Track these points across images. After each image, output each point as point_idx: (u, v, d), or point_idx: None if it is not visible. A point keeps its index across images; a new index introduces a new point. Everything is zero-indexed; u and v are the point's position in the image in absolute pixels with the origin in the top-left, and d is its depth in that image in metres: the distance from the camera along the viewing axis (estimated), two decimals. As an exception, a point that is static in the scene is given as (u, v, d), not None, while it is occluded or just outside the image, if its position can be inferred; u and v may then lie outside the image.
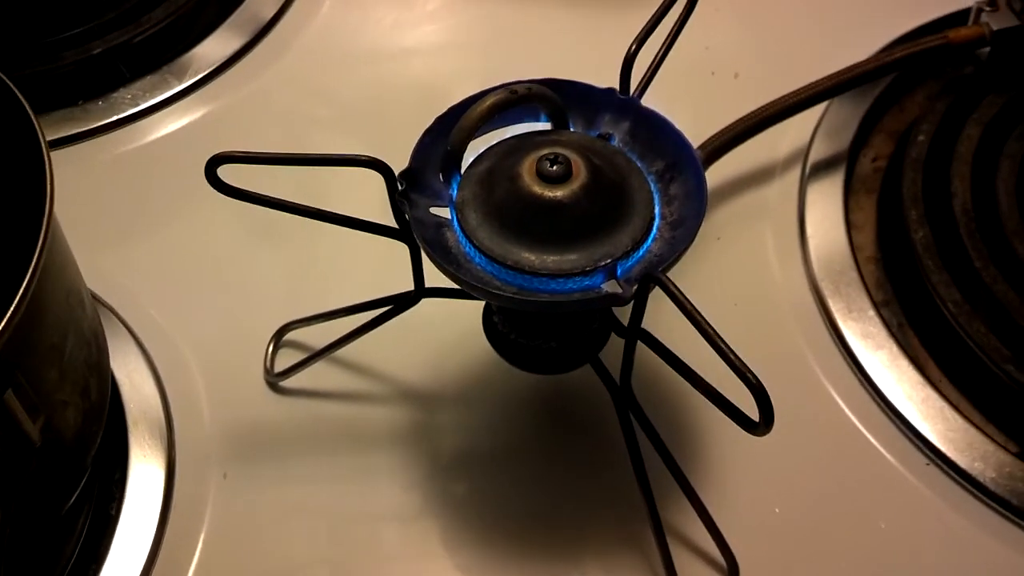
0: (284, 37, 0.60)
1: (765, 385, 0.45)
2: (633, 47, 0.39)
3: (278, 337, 0.46)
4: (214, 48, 0.58)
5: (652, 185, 0.38)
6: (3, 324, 0.30)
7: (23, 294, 0.31)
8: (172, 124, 0.55)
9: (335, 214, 0.38)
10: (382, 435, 0.44)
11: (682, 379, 0.36)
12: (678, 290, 0.33)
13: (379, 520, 0.42)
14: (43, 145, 0.35)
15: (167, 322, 0.47)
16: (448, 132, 0.37)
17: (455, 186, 0.38)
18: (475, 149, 0.39)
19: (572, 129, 0.40)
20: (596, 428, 0.43)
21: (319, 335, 0.46)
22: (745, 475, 0.42)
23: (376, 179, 0.37)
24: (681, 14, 0.42)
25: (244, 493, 0.42)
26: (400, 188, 0.37)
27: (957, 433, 0.42)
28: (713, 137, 0.49)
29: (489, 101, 0.37)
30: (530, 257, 0.35)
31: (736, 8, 0.60)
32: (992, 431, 0.43)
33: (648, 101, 0.40)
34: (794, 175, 0.52)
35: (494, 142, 0.39)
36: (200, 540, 0.41)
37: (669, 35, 0.42)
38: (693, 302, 0.33)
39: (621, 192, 0.37)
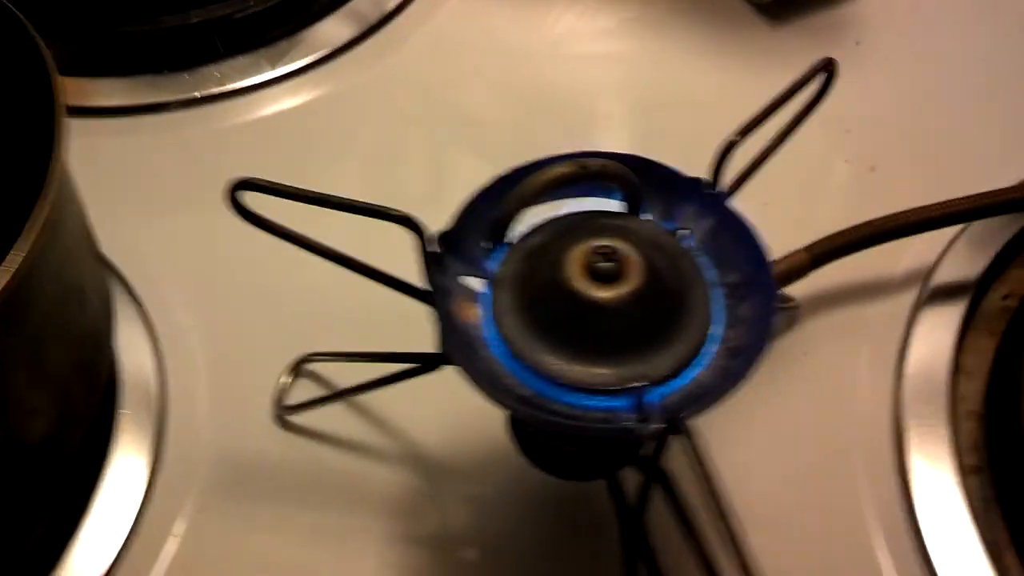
0: (394, 36, 0.56)
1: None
2: (737, 137, 0.34)
3: (296, 367, 0.42)
4: (317, 37, 0.54)
5: (719, 301, 0.33)
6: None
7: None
8: (255, 112, 0.52)
9: (358, 262, 0.34)
10: (379, 498, 0.40)
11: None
12: (699, 452, 0.27)
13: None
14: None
15: (189, 324, 0.44)
16: (503, 196, 0.33)
17: (498, 258, 0.33)
18: (539, 215, 0.35)
19: (646, 216, 0.35)
20: (603, 543, 0.38)
21: (337, 373, 0.42)
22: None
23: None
24: (799, 113, 0.36)
25: (218, 533, 0.39)
26: (437, 251, 0.33)
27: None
28: (824, 240, 0.43)
29: (553, 173, 0.32)
30: (553, 360, 0.31)
31: (891, 95, 0.54)
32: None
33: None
34: (908, 297, 0.45)
35: (562, 212, 0.35)
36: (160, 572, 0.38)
37: (782, 131, 0.36)
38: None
39: (677, 304, 0.32)
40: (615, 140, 0.54)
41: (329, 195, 0.32)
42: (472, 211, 0.34)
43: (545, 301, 0.32)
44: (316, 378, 0.43)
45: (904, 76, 0.54)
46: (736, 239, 0.34)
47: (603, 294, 0.31)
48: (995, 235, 0.47)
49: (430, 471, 0.41)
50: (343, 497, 0.40)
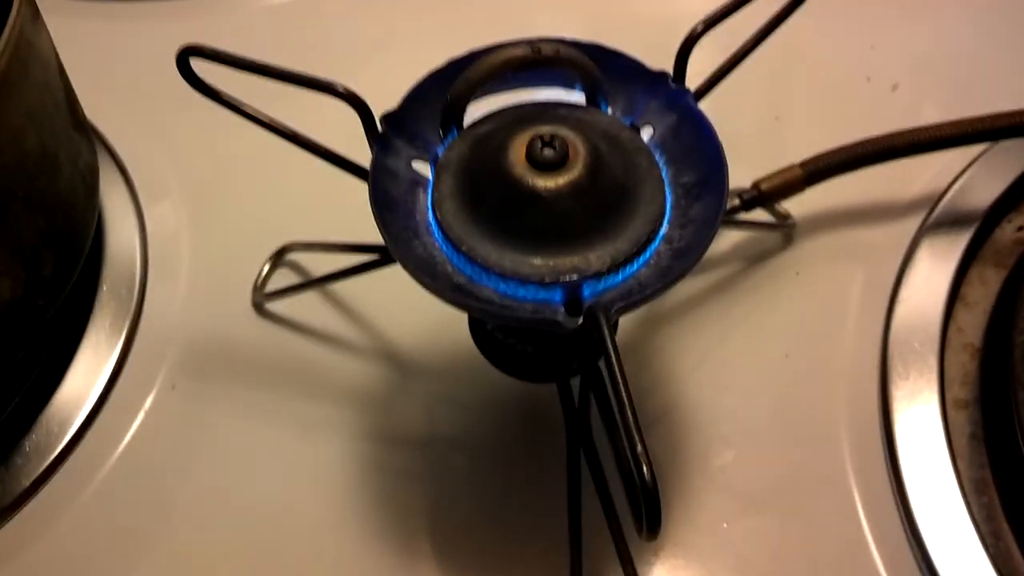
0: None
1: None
2: (699, 28, 0.32)
3: (278, 256, 0.42)
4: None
5: (669, 199, 0.32)
6: None
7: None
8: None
9: (305, 138, 0.33)
10: (346, 389, 0.40)
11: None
12: (611, 339, 0.26)
13: (307, 477, 0.38)
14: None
15: (177, 207, 0.45)
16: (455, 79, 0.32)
17: (446, 144, 0.33)
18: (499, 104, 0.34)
19: (606, 109, 0.33)
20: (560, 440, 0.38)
21: (319, 265, 0.42)
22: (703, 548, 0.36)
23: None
24: (779, 11, 0.34)
25: (186, 411, 0.40)
26: (380, 131, 0.32)
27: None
28: (820, 156, 0.42)
29: (503, 56, 0.31)
30: (487, 248, 0.30)
31: (923, 12, 0.51)
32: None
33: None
34: (915, 222, 0.43)
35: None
36: (122, 444, 0.39)
37: (759, 31, 0.34)
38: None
39: (623, 199, 0.31)
40: (624, 29, 0.53)
41: (273, 66, 0.31)
42: (421, 94, 0.33)
43: (485, 187, 0.31)
44: (298, 269, 0.43)
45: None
46: (696, 138, 0.32)
47: (543, 183, 0.30)
48: (1014, 162, 0.44)
49: (399, 365, 0.41)
50: (311, 386, 0.40)
